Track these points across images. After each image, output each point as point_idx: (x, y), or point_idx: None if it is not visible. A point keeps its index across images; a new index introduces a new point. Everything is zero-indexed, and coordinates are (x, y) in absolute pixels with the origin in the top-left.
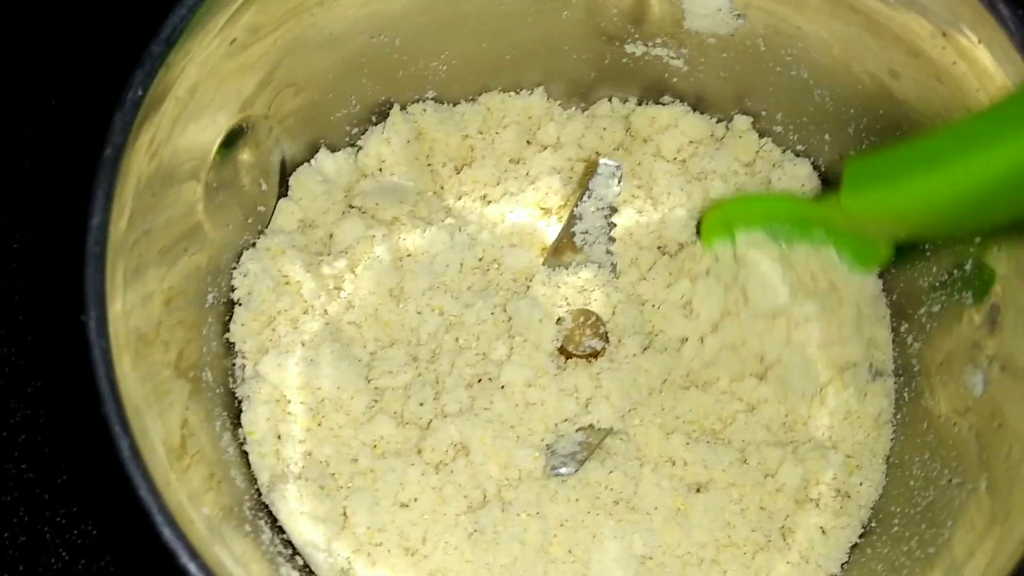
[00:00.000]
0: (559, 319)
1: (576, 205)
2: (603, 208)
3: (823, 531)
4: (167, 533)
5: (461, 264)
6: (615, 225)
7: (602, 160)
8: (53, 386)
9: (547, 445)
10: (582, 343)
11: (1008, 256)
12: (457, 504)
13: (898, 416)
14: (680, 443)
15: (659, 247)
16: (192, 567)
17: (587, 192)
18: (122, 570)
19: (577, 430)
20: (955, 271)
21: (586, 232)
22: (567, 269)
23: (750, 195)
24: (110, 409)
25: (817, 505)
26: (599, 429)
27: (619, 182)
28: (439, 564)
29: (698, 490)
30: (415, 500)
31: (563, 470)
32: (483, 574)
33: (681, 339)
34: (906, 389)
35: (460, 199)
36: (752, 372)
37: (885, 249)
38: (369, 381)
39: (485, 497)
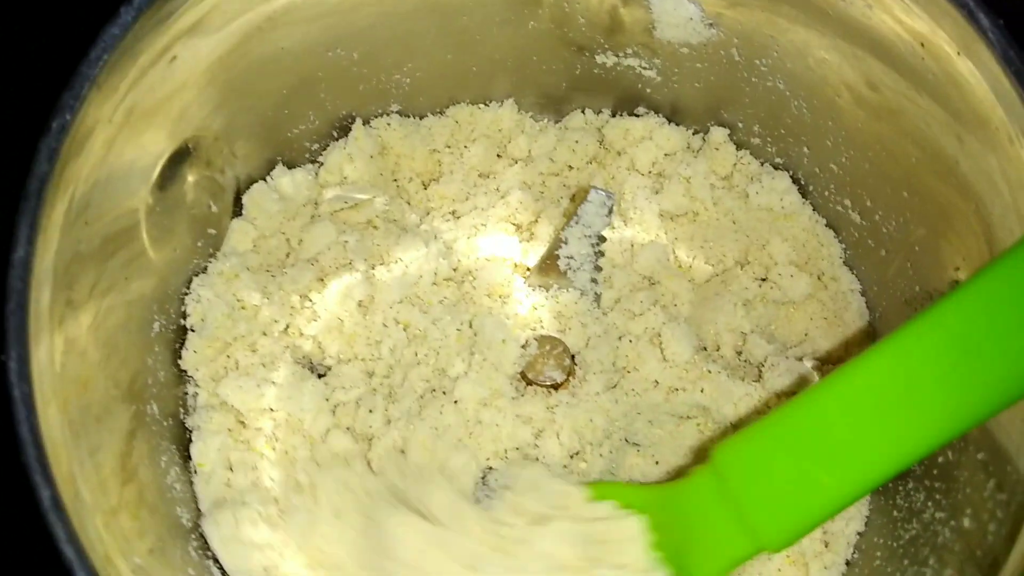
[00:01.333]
0: (525, 343)
1: (563, 228)
2: (590, 236)
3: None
4: None
5: (435, 274)
6: (602, 255)
7: (594, 188)
8: None
9: (488, 468)
10: (543, 372)
11: None
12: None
13: None
14: None
15: (641, 275)
16: None
17: (575, 218)
18: None
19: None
20: (935, 291)
21: (571, 257)
22: (548, 291)
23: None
24: (30, 456)
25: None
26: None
27: (609, 212)
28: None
29: None
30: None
31: (490, 500)
32: None
33: (652, 382)
34: None
35: (428, 214)
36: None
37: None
38: (327, 400)
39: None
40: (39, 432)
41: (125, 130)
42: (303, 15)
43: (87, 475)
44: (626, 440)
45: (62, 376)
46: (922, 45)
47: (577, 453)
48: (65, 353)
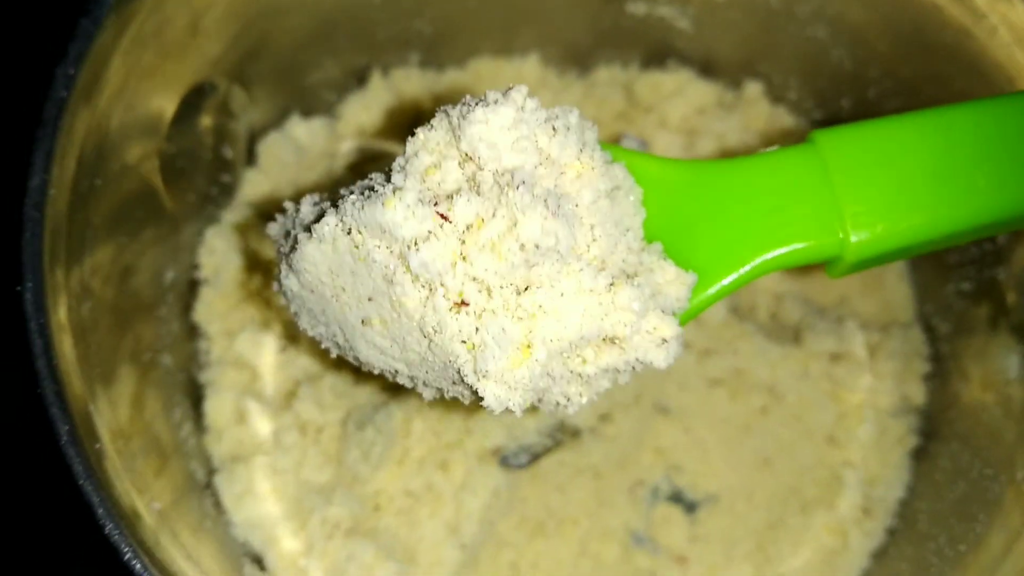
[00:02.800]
0: None
1: None
2: None
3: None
4: (111, 527)
5: None
6: None
7: (625, 136)
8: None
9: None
10: None
11: None
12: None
13: (924, 406)
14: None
15: None
16: (137, 565)
17: None
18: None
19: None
20: (987, 244)
21: None
22: None
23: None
24: (48, 389)
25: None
26: (567, 428)
27: None
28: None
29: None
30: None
31: (513, 461)
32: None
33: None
34: (933, 375)
35: None
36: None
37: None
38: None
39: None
40: (56, 365)
41: (142, 64)
42: None
43: (103, 415)
44: (654, 406)
45: (77, 312)
46: None
47: (606, 415)
48: (80, 289)
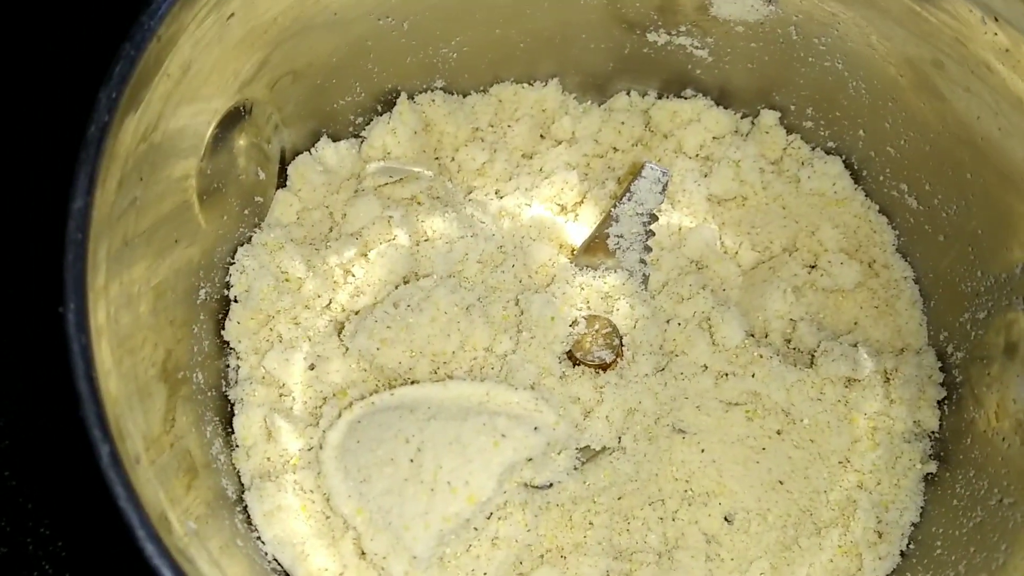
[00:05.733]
0: (574, 322)
1: (615, 206)
2: (642, 214)
3: (858, 561)
4: (149, 549)
5: (481, 252)
6: (653, 234)
7: (648, 164)
8: (36, 388)
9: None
10: (592, 351)
11: None
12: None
13: (938, 433)
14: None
15: (689, 259)
16: None
17: (628, 195)
18: None
19: None
20: (1003, 275)
21: (620, 236)
22: (595, 271)
23: None
24: (89, 412)
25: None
26: (589, 448)
27: (663, 189)
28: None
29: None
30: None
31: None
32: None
33: (701, 366)
34: (947, 402)
35: (471, 193)
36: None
37: None
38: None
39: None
40: (97, 387)
41: (181, 86)
42: None
43: (140, 434)
44: (672, 427)
45: (116, 332)
46: (995, 20)
47: (624, 435)
48: (119, 309)
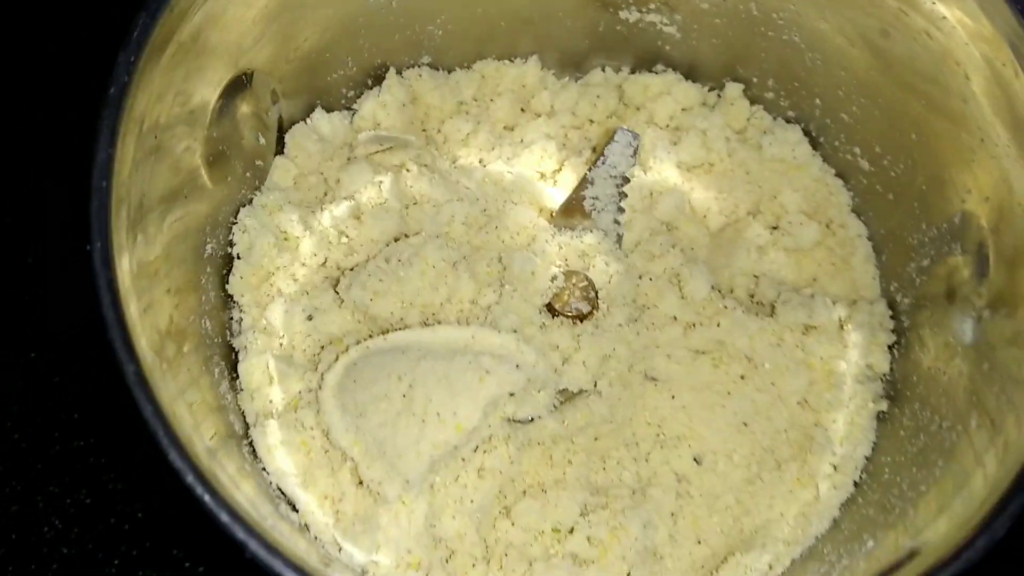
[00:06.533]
0: (553, 277)
1: (589, 169)
2: (615, 177)
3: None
4: (177, 461)
5: (466, 215)
6: (626, 196)
7: (620, 129)
8: (47, 358)
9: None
10: (570, 303)
11: (993, 206)
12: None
13: (888, 375)
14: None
15: (660, 221)
16: (199, 488)
17: (602, 158)
18: (115, 538)
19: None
20: (943, 225)
21: (596, 198)
22: (573, 232)
23: None
24: (115, 335)
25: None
26: (567, 391)
27: (635, 153)
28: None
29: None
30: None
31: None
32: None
33: (671, 317)
34: (896, 346)
35: (456, 162)
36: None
37: None
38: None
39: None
40: (122, 313)
41: (191, 54)
42: None
43: (160, 362)
44: (644, 375)
45: (136, 273)
46: None
47: (599, 380)
48: (138, 254)
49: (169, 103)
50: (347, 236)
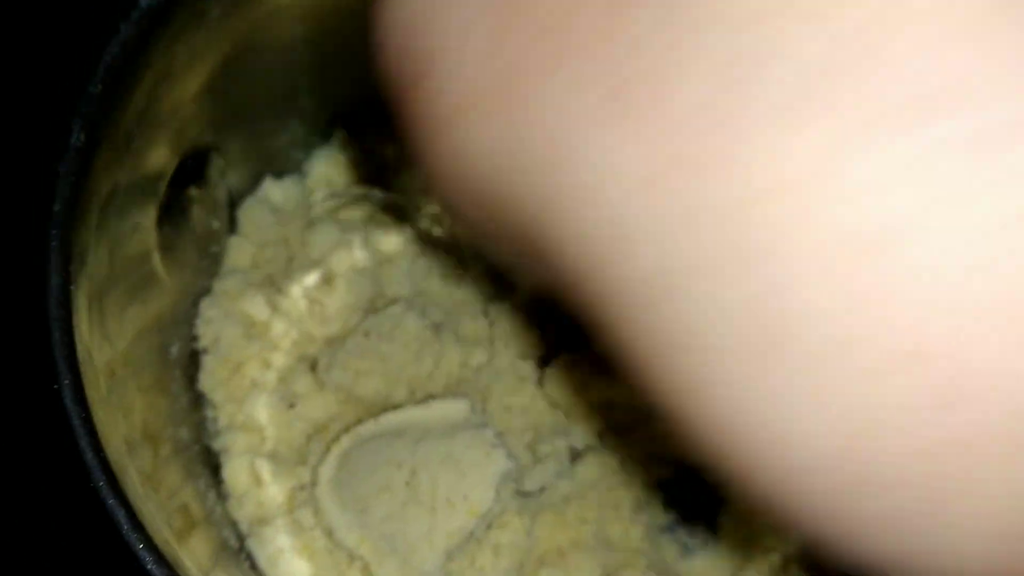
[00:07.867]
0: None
1: None
2: None
3: None
4: None
5: (442, 266)
6: None
7: None
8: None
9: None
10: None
11: None
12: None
13: None
14: None
15: None
16: None
17: None
18: None
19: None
20: None
21: None
22: None
23: None
24: (100, 481)
25: None
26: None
27: None
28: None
29: None
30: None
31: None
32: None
33: None
34: None
35: (422, 210)
36: None
37: None
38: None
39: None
40: (104, 455)
41: (132, 147)
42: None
43: (148, 498)
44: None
45: (108, 401)
46: None
47: (603, 433)
48: (106, 379)
49: (117, 202)
50: (320, 304)
